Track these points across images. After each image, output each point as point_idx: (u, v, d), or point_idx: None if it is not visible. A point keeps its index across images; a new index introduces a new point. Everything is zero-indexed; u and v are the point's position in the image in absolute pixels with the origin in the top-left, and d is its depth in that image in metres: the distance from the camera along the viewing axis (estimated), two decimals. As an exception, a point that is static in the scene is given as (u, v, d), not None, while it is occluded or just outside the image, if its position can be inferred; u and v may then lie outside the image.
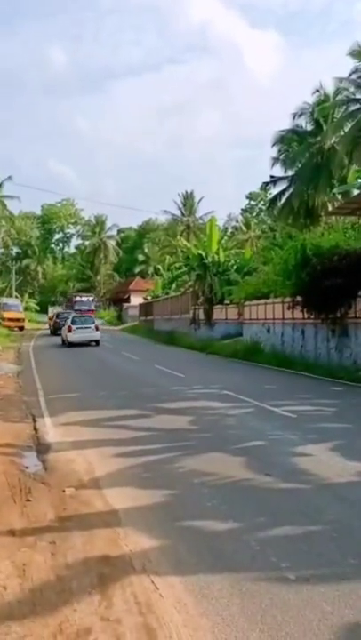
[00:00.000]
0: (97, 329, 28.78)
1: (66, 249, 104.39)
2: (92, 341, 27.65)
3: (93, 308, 51.23)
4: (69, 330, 27.84)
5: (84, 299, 54.31)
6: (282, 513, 4.91)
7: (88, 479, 6.00)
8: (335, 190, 27.32)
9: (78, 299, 54.54)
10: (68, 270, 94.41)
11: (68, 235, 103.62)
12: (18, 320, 44.95)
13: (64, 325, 30.00)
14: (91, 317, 32.82)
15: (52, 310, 56.10)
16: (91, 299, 55.20)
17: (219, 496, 5.35)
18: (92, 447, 7.33)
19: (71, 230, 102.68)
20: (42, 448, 7.46)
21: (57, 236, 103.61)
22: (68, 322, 28.85)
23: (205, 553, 4.16)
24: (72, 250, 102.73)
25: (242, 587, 3.65)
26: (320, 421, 8.91)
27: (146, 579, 3.78)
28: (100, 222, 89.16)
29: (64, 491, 5.59)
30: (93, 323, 29.58)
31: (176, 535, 4.50)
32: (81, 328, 28.14)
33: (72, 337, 27.41)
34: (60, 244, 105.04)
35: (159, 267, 53.77)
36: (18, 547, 4.32)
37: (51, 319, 42.87)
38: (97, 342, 27.85)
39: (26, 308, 58.57)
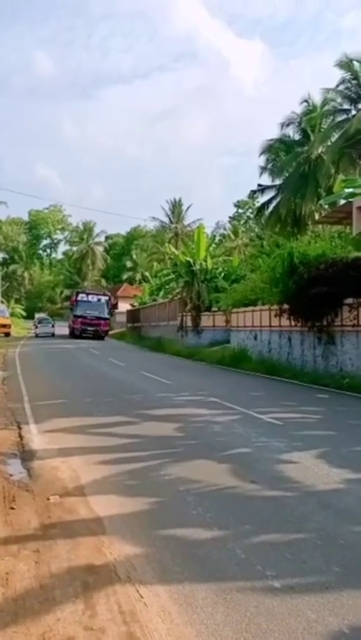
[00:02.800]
0: (53, 327, 48.14)
1: (53, 255, 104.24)
2: (49, 334, 46.05)
3: (107, 315, 40.53)
4: (35, 327, 48.73)
5: (94, 298, 40.67)
6: (267, 520, 4.91)
7: (73, 487, 5.95)
8: (322, 201, 27.54)
9: (84, 298, 40.59)
10: (56, 276, 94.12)
11: (55, 241, 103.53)
12: (4, 326, 44.55)
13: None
14: (50, 319, 53.06)
15: (37, 317, 60.56)
16: (105, 299, 41.20)
17: (204, 504, 5.34)
18: (77, 454, 7.27)
19: (59, 236, 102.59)
20: (27, 455, 7.39)
21: (44, 242, 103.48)
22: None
23: (190, 561, 4.14)
24: (59, 256, 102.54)
25: (227, 595, 3.63)
26: (306, 429, 8.94)
27: (130, 587, 3.75)
28: (87, 228, 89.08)
29: (48, 498, 5.53)
30: (52, 324, 49.04)
31: (161, 543, 4.48)
32: (44, 326, 47.97)
33: (37, 331, 46.90)
34: (48, 250, 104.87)
35: (147, 273, 53.76)
36: (1, 555, 4.26)
37: (35, 325, 51.78)
38: (53, 334, 45.95)
39: (12, 314, 57.64)
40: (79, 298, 40.41)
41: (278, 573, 3.89)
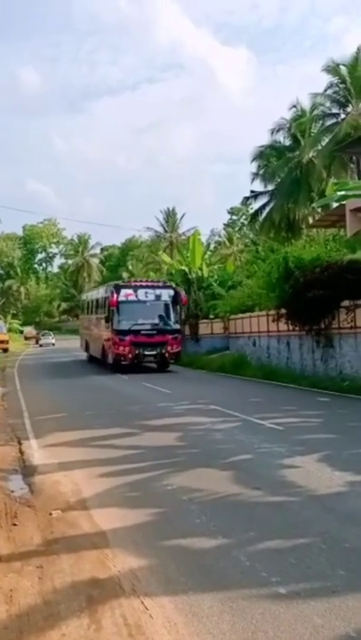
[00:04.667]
0: (52, 338, 57.56)
1: (49, 269, 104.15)
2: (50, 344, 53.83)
3: (175, 322, 22.00)
4: (39, 340, 57.53)
5: (150, 295, 21.94)
6: (271, 527, 4.88)
7: (75, 500, 5.93)
8: (314, 204, 27.64)
9: (132, 296, 21.62)
10: (52, 290, 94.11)
11: (50, 254, 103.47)
12: (2, 342, 44.50)
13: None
14: (50, 332, 57.05)
15: (29, 329, 70.53)
16: (169, 294, 22.37)
17: (207, 512, 5.31)
18: (78, 468, 7.24)
19: (54, 250, 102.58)
20: (28, 471, 7.36)
21: (39, 256, 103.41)
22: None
23: (195, 571, 4.12)
24: (55, 269, 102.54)
25: (232, 603, 3.61)
26: (307, 433, 8.92)
27: (135, 600, 3.73)
28: (82, 241, 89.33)
29: (51, 513, 5.50)
30: (52, 336, 57.09)
31: (165, 554, 4.45)
32: (45, 338, 56.99)
33: (41, 342, 54.18)
34: (43, 264, 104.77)
35: (143, 284, 53.69)
36: (4, 572, 4.23)
37: (36, 338, 62.04)
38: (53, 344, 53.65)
39: (9, 330, 57.61)
40: (122, 297, 21.24)
41: (283, 579, 3.87)
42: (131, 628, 3.39)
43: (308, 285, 15.24)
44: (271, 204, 36.03)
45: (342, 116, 31.79)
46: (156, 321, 21.57)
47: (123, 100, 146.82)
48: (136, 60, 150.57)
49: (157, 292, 22.12)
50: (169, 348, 21.32)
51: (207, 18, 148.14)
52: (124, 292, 21.54)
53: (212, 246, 59.71)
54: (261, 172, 36.67)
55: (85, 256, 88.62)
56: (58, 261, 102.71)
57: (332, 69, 31.61)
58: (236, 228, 74.68)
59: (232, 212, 77.65)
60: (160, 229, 66.81)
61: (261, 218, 37.35)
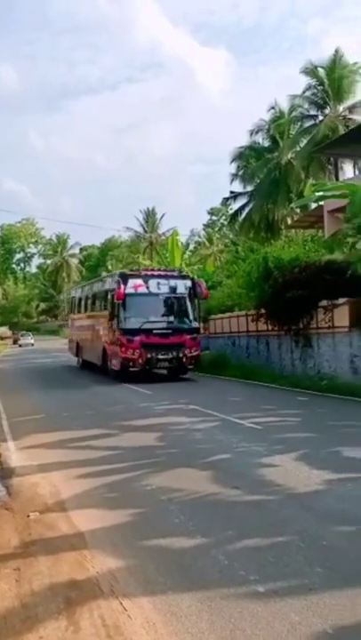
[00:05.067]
0: (32, 338, 60.32)
1: (27, 269, 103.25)
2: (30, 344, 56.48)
3: (194, 320, 18.20)
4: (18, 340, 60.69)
5: (164, 286, 17.97)
6: (249, 525, 4.91)
7: (53, 502, 5.88)
8: (293, 204, 27.89)
9: (142, 288, 17.62)
10: (31, 290, 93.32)
11: (28, 254, 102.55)
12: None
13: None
14: (29, 333, 59.45)
15: (3, 330, 72.15)
16: (186, 285, 18.38)
17: (186, 512, 5.32)
18: (57, 469, 7.19)
19: (32, 250, 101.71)
20: (5, 473, 7.28)
21: (17, 256, 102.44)
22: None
23: (174, 571, 4.12)
24: (34, 269, 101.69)
25: (211, 602, 3.62)
26: (286, 432, 8.98)
27: (114, 600, 3.72)
28: (61, 241, 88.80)
29: (28, 515, 5.45)
30: (31, 336, 60.33)
31: (143, 554, 4.45)
32: (25, 338, 59.37)
33: (20, 342, 56.64)
34: (21, 264, 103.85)
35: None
36: (-19, 576, 4.18)
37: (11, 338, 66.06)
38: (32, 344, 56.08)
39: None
40: (130, 289, 17.49)
41: (262, 578, 3.89)
42: (109, 628, 3.38)
43: (287, 285, 15.36)
44: (251, 205, 36.27)
45: (320, 117, 32.15)
46: (171, 318, 17.82)
47: (102, 100, 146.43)
48: (115, 60, 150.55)
49: (172, 282, 18.11)
50: (187, 350, 17.42)
51: (185, 18, 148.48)
52: (132, 282, 17.44)
53: (191, 246, 59.88)
54: (241, 172, 36.91)
55: (64, 256, 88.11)
56: (36, 261, 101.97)
57: (311, 71, 31.97)
58: (216, 229, 74.97)
59: (212, 212, 77.97)
60: (140, 229, 66.80)
61: (241, 218, 37.59)
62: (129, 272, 18.80)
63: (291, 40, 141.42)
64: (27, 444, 8.93)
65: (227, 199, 39.98)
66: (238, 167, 37.02)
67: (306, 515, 5.14)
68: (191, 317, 18.20)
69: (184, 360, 17.55)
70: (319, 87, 32.04)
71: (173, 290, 18.07)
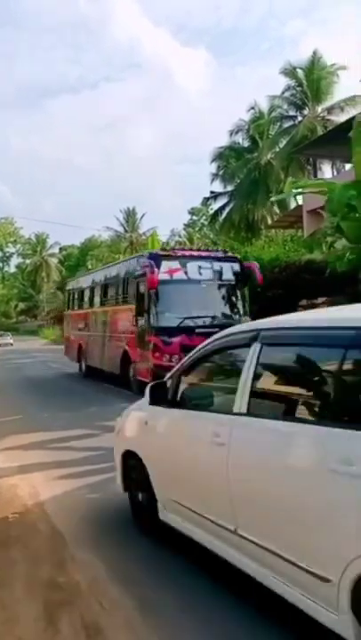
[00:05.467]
0: (10, 338, 54.79)
1: (6, 268, 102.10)
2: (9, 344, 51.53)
3: (245, 317, 13.18)
4: None
5: (206, 271, 13.66)
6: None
7: (32, 503, 5.83)
8: (272, 198, 28.08)
9: (180, 273, 13.32)
10: (9, 290, 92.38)
11: (7, 254, 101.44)
12: None
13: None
14: (8, 333, 53.99)
15: None
16: (234, 268, 14.08)
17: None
18: (36, 471, 7.13)
19: (11, 249, 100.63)
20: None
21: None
22: None
23: (154, 570, 4.11)
24: (12, 269, 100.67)
25: (193, 607, 3.61)
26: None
27: (94, 601, 3.70)
28: (40, 240, 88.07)
29: (7, 517, 5.40)
30: (10, 336, 55.32)
31: (125, 555, 4.43)
32: (3, 339, 53.32)
33: None
34: (0, 264, 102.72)
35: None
36: None
37: None
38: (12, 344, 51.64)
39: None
40: (165, 274, 13.24)
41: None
42: (89, 629, 3.37)
43: (268, 285, 15.47)
44: (231, 205, 36.45)
45: (299, 118, 32.45)
46: (218, 312, 13.52)
47: (82, 99, 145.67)
48: (96, 59, 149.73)
49: (216, 266, 13.90)
50: None
51: (167, 19, 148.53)
52: (166, 266, 13.26)
53: (171, 246, 59.84)
54: (221, 172, 37.09)
55: (44, 256, 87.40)
56: (15, 261, 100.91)
57: (290, 72, 32.24)
58: (197, 229, 75.04)
59: (192, 212, 77.99)
60: (120, 229, 66.55)
61: (221, 218, 37.73)
62: (161, 252, 14.48)
63: (271, 40, 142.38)
64: (6, 446, 8.84)
65: (207, 199, 40.13)
66: (219, 167, 37.18)
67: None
68: (241, 311, 13.99)
69: None
70: (298, 88, 32.34)
71: (219, 275, 13.86)
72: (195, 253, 14.68)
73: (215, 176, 37.38)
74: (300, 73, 32.16)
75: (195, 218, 78.57)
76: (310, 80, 31.59)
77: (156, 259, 13.29)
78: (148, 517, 4.61)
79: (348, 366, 2.77)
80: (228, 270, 13.94)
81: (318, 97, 31.90)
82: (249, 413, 3.33)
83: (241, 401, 3.38)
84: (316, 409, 3.07)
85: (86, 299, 19.79)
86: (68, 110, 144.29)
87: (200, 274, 13.50)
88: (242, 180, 35.42)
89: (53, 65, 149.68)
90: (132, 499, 5.01)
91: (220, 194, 37.66)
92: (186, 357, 4.47)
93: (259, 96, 44.36)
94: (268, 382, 3.51)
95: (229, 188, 37.00)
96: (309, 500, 2.74)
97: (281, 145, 32.85)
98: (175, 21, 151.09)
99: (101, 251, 76.84)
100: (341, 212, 11.29)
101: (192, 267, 13.49)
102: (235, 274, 13.98)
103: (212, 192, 38.30)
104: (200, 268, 13.58)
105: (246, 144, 36.89)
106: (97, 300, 18.20)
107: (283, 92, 32.95)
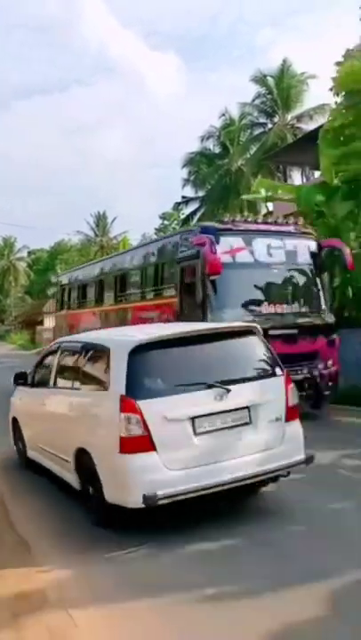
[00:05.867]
0: None
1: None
2: None
3: (328, 315, 10.18)
4: None
5: (279, 252, 9.89)
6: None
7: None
8: (243, 197, 28.21)
9: (247, 255, 9.53)
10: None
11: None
12: None
13: None
14: None
15: None
16: (311, 247, 10.34)
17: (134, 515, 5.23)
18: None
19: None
20: None
21: None
22: None
23: (122, 577, 4.05)
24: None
25: (161, 608, 3.57)
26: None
27: (61, 609, 3.63)
28: (8, 244, 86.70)
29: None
30: None
31: (92, 562, 4.35)
32: None
33: None
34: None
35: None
36: None
37: None
38: None
39: None
40: (227, 255, 9.29)
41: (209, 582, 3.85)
42: (56, 638, 3.30)
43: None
44: (202, 210, 36.54)
45: (270, 125, 32.78)
46: (296, 307, 10.13)
47: (52, 101, 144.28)
48: (67, 61, 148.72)
49: (289, 245, 10.27)
50: (322, 364, 9.75)
51: (140, 22, 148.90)
52: (226, 243, 9.57)
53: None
54: (192, 178, 37.16)
55: (11, 259, 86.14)
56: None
57: (260, 80, 32.53)
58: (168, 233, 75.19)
59: (164, 217, 78.04)
60: (90, 233, 66.11)
61: (193, 223, 37.80)
62: (220, 226, 10.04)
63: (242, 48, 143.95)
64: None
65: (178, 204, 40.19)
66: (190, 172, 37.26)
67: None
68: (323, 306, 10.51)
69: (321, 382, 9.73)
70: (268, 96, 32.66)
71: (293, 257, 10.30)
72: (262, 227, 10.58)
73: (186, 181, 37.46)
74: (270, 81, 32.49)
75: (166, 222, 78.68)
76: (280, 88, 31.94)
77: (215, 233, 9.66)
78: (24, 456, 7.21)
79: (81, 362, 5.76)
80: (305, 250, 10.44)
81: (288, 105, 32.28)
82: (55, 386, 6.29)
83: (52, 381, 6.33)
84: (69, 383, 5.94)
85: (91, 295, 15.81)
86: (38, 112, 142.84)
87: (270, 255, 10.03)
88: (213, 186, 35.60)
89: (21, 65, 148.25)
90: (17, 447, 7.49)
91: (192, 199, 37.76)
92: (40, 356, 7.65)
93: (230, 103, 44.50)
94: (62, 371, 6.26)
95: (201, 194, 37.13)
96: (61, 423, 5.89)
97: (251, 152, 33.12)
98: (145, 26, 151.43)
99: (71, 255, 76.19)
100: (310, 218, 11.39)
101: (260, 245, 9.98)
102: (311, 254, 10.48)
103: (183, 197, 38.38)
104: (269, 247, 10.08)
105: (217, 150, 37.08)
106: (109, 295, 14.26)
107: (253, 100, 33.24)
